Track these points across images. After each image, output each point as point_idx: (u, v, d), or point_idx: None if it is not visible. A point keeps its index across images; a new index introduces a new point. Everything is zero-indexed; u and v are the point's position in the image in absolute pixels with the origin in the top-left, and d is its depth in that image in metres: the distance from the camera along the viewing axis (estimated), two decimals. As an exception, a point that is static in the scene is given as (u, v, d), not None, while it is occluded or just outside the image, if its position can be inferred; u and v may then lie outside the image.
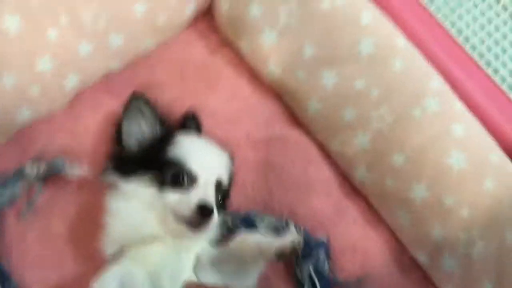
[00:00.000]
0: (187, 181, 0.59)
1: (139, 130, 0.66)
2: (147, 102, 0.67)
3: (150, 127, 0.66)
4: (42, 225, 0.71)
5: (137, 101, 0.66)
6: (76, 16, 0.66)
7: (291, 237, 0.55)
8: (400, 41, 0.72)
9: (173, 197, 0.59)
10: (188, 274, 0.59)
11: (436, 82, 0.72)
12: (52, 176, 0.71)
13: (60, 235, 0.70)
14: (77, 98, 0.76)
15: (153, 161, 0.61)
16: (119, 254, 0.61)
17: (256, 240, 0.58)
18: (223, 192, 0.64)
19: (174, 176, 0.59)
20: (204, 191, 0.59)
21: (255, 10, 0.73)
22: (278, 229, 0.70)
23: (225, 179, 0.64)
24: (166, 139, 0.64)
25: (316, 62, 0.72)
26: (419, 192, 0.68)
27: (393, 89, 0.71)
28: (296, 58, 0.73)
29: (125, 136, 0.66)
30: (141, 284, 0.57)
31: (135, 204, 0.60)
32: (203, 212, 0.57)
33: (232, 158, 0.68)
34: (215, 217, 0.59)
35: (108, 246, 0.62)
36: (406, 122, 0.70)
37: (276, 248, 0.54)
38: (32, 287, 0.68)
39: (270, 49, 0.74)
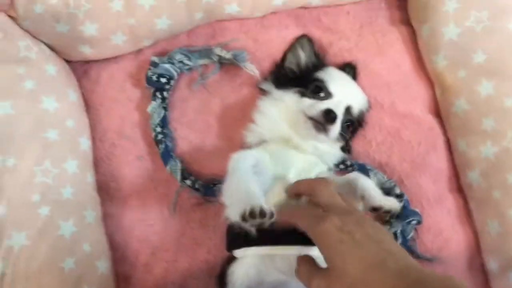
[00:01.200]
0: (323, 95, 0.72)
1: (300, 58, 0.82)
2: (312, 41, 0.83)
3: (309, 58, 0.82)
4: (204, 98, 0.86)
5: (304, 38, 0.83)
6: None
7: (393, 204, 0.64)
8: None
9: (308, 102, 0.72)
10: None
11: None
12: (229, 64, 0.85)
13: (214, 112, 0.85)
14: (271, 14, 0.89)
15: (303, 80, 0.76)
16: (258, 144, 0.74)
17: (365, 187, 0.67)
18: (350, 118, 0.75)
19: (315, 88, 0.73)
20: (334, 104, 0.71)
21: (449, 3, 0.81)
22: (385, 189, 0.80)
23: (355, 110, 0.75)
24: (318, 67, 0.78)
25: (481, 69, 0.79)
26: (520, 212, 0.75)
27: (537, 119, 0.77)
28: (465, 60, 0.81)
29: (288, 59, 0.83)
30: (270, 171, 0.69)
31: (280, 107, 0.75)
32: (327, 116, 0.69)
33: (369, 104, 0.79)
34: (337, 127, 0.70)
35: (250, 136, 0.76)
36: (534, 149, 0.76)
37: (376, 205, 0.64)
38: (179, 140, 0.84)
39: (446, 42, 0.82)
